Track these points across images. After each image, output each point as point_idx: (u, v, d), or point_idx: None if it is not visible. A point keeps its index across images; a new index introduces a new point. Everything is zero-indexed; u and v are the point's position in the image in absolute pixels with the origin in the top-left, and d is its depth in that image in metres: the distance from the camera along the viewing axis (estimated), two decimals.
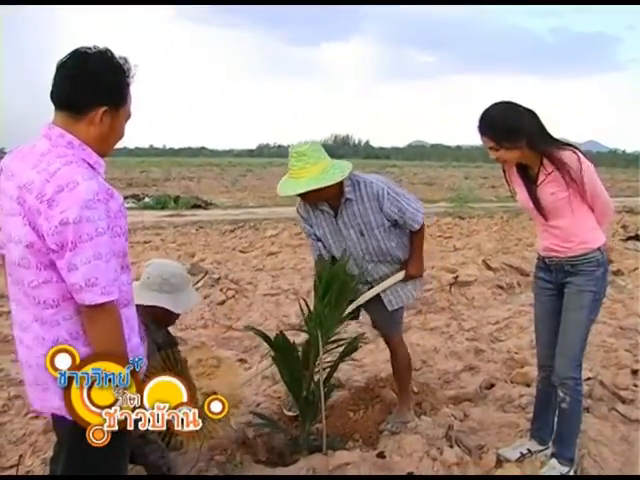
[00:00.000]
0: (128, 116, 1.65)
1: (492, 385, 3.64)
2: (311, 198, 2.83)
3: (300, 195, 2.80)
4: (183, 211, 14.17)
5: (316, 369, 2.81)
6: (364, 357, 4.13)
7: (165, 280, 2.53)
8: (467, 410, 3.26)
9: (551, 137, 2.43)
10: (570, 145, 2.42)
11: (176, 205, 15.26)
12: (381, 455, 2.69)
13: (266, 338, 2.84)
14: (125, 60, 1.59)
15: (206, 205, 15.50)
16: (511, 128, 2.33)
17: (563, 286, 2.54)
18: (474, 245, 8.72)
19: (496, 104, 2.42)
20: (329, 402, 3.09)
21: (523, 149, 2.39)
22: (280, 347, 2.78)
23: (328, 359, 2.90)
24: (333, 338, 2.89)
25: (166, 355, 2.47)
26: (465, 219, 12.62)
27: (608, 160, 65.82)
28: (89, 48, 1.55)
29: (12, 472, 2.67)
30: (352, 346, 2.94)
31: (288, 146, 2.94)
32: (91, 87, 1.53)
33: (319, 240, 2.99)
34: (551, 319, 2.60)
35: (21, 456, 2.78)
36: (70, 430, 1.57)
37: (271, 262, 7.67)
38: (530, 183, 2.48)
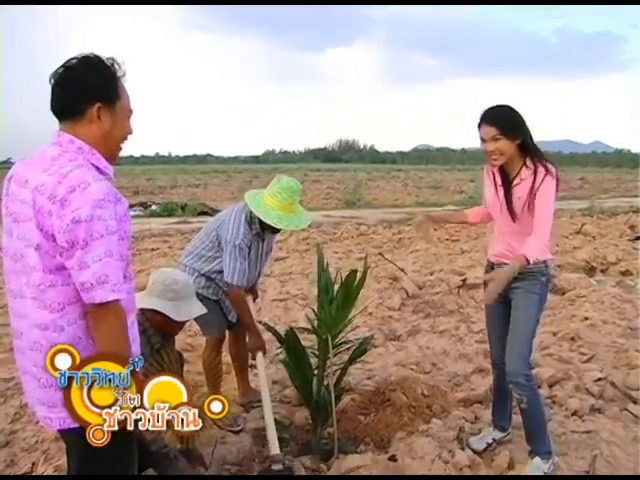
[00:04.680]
0: (129, 112, 1.69)
1: None
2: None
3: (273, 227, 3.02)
4: (190, 218, 14.22)
5: (326, 373, 2.82)
6: (374, 361, 4.13)
7: (167, 287, 2.52)
8: (478, 412, 3.26)
9: (538, 149, 2.60)
10: (549, 163, 2.56)
11: (183, 212, 15.33)
12: (393, 458, 2.69)
13: (276, 334, 2.91)
14: (113, 60, 1.63)
15: (213, 212, 15.51)
16: (517, 123, 2.55)
17: (508, 292, 2.63)
18: (482, 247, 8.69)
19: (501, 104, 2.58)
20: (340, 406, 3.09)
21: (514, 150, 2.55)
22: (290, 345, 2.82)
23: (338, 362, 2.90)
24: (342, 341, 2.90)
25: (161, 357, 2.48)
26: None
27: (614, 160, 65.50)
28: (75, 57, 1.60)
29: None
30: (361, 349, 2.95)
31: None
32: (77, 88, 1.58)
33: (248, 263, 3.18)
34: (501, 323, 2.75)
35: (34, 464, 2.80)
36: (78, 436, 1.57)
37: (279, 267, 7.69)
38: (507, 184, 2.64)
